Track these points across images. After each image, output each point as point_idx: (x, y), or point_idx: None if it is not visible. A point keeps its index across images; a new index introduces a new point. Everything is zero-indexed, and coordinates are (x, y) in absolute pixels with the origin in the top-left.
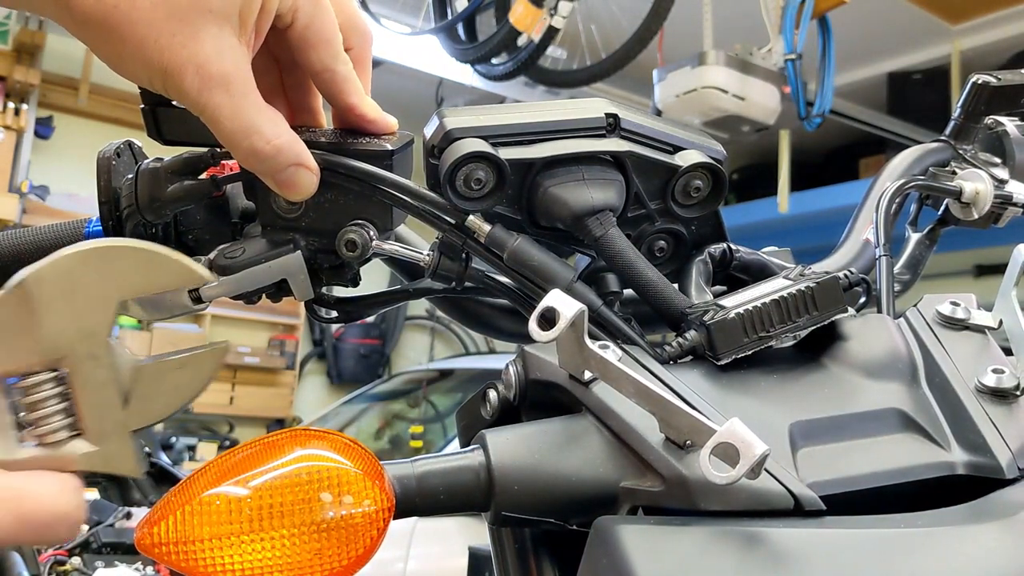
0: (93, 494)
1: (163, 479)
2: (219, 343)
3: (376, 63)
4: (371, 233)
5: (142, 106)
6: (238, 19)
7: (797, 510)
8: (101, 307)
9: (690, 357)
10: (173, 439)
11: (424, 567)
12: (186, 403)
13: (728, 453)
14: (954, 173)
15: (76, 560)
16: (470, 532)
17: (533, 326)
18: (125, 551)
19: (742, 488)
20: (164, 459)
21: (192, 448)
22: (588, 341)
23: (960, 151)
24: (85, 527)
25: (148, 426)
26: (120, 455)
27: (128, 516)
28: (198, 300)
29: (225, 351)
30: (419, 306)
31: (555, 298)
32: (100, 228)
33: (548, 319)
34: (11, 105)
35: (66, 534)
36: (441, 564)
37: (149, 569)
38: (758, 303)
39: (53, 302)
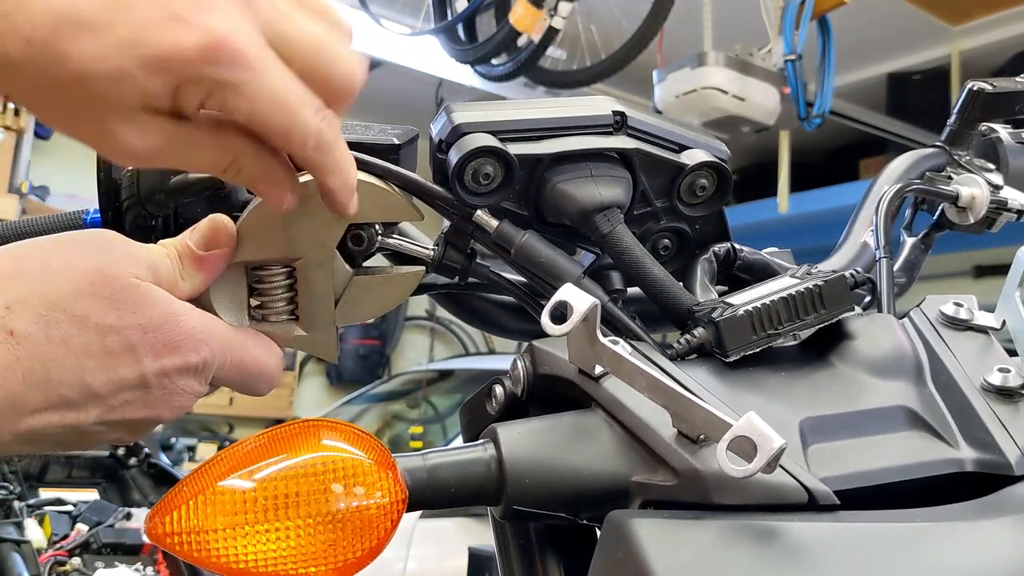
0: (93, 494)
1: (163, 479)
2: (418, 268)
3: (376, 63)
4: (376, 227)
5: None
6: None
7: (811, 504)
8: (335, 225)
9: (695, 355)
10: (173, 440)
11: (424, 567)
12: (383, 311)
13: (744, 447)
14: (950, 178)
15: (76, 560)
16: (470, 532)
17: (546, 320)
18: (125, 551)
19: (756, 482)
20: (164, 459)
21: (192, 449)
22: (600, 336)
23: (955, 156)
24: (85, 527)
25: (350, 325)
26: (323, 343)
27: (128, 516)
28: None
29: (421, 274)
30: (419, 306)
31: (568, 292)
32: (99, 218)
33: (560, 313)
34: (11, 105)
35: (265, 389)
36: (441, 564)
37: (149, 570)
38: (766, 301)
39: (301, 213)
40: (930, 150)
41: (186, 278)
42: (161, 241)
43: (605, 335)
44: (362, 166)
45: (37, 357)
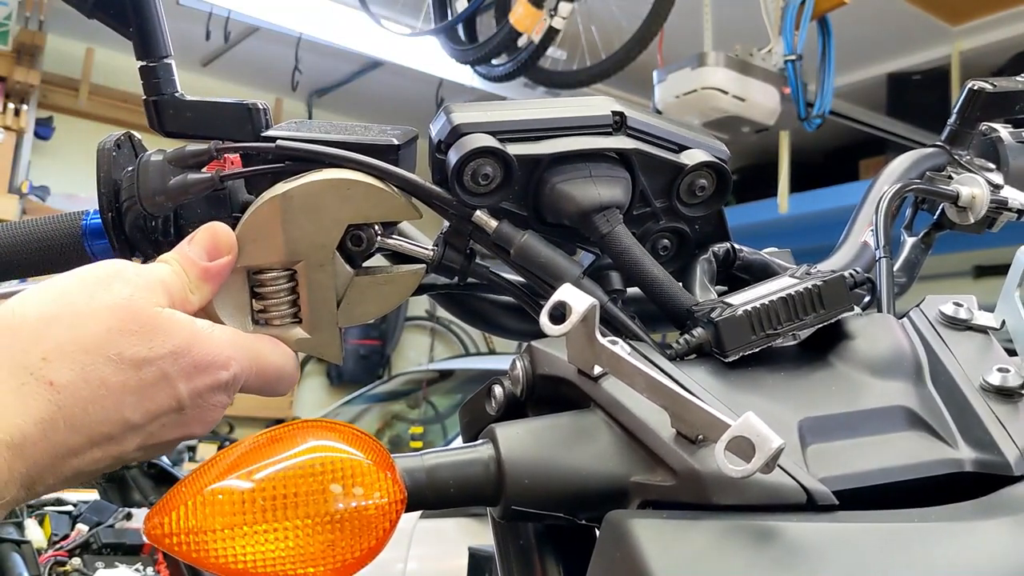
0: (93, 495)
1: (163, 479)
2: (419, 266)
3: (376, 63)
4: (376, 228)
5: (144, 97)
6: None
7: (809, 504)
8: (334, 226)
9: (694, 355)
10: None
11: (424, 568)
12: (385, 311)
13: (743, 447)
14: (950, 178)
15: (76, 561)
16: (470, 533)
17: (544, 320)
18: (125, 551)
19: (755, 482)
20: (164, 459)
21: (192, 449)
22: (599, 336)
23: (955, 156)
24: (85, 527)
25: (353, 325)
26: (327, 344)
27: (128, 517)
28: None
29: (422, 273)
30: (419, 307)
31: (567, 292)
32: (98, 220)
33: (559, 314)
34: (11, 106)
35: (284, 389)
36: (441, 565)
37: (149, 570)
38: (765, 301)
39: (299, 215)
40: (930, 150)
41: (195, 291)
42: (162, 256)
43: (604, 335)
44: (361, 167)
45: (78, 403)
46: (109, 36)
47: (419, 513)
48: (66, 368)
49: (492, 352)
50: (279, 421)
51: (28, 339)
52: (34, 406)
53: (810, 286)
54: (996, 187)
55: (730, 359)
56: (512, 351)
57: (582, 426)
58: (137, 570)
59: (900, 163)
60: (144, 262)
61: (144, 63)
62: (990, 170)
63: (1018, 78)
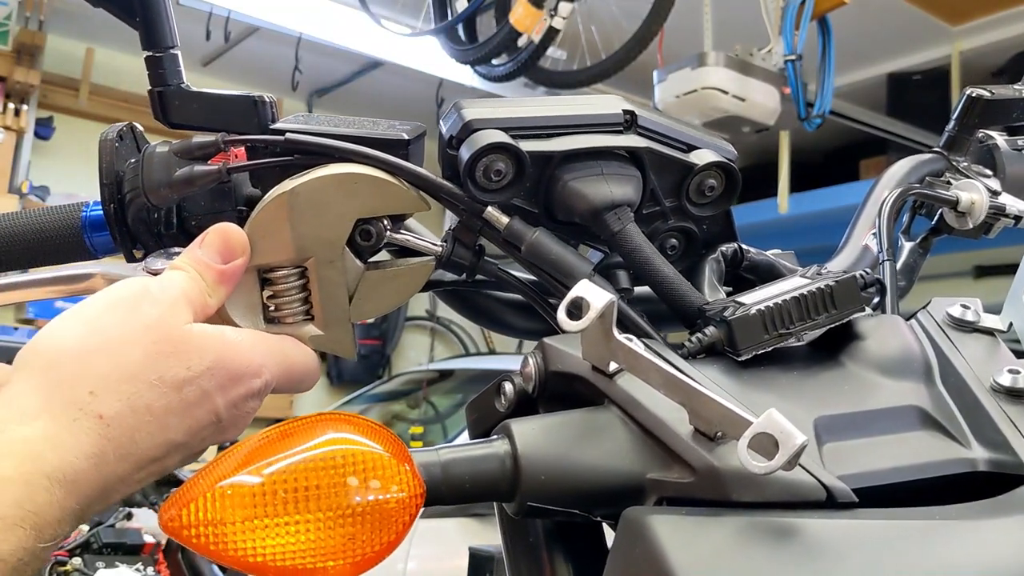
0: None
1: (164, 479)
2: (428, 259)
3: (376, 63)
4: (384, 222)
5: (149, 88)
6: None
7: (829, 502)
8: (342, 221)
9: (704, 355)
10: None
11: (424, 567)
12: (397, 305)
13: (765, 444)
14: (949, 183)
15: (77, 560)
16: (470, 532)
17: (562, 315)
18: (126, 551)
19: (775, 480)
20: None
21: None
22: (616, 332)
23: (954, 162)
24: (85, 527)
25: (365, 320)
26: (340, 340)
27: (129, 517)
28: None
29: (432, 265)
30: (419, 307)
31: (585, 288)
32: (98, 212)
33: (576, 309)
34: (11, 106)
35: (309, 387)
36: (441, 564)
37: (150, 570)
38: (778, 300)
39: (307, 212)
40: (929, 155)
41: (212, 295)
42: (176, 263)
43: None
44: (372, 161)
45: (125, 432)
46: (109, 36)
47: (420, 512)
48: (113, 399)
49: (492, 352)
50: (279, 420)
51: (73, 374)
52: (85, 441)
53: (823, 286)
54: (994, 193)
55: (743, 358)
56: (512, 351)
57: (597, 422)
58: (137, 570)
59: (900, 168)
60: (145, 255)
61: (150, 53)
62: (987, 176)
63: (1016, 86)
